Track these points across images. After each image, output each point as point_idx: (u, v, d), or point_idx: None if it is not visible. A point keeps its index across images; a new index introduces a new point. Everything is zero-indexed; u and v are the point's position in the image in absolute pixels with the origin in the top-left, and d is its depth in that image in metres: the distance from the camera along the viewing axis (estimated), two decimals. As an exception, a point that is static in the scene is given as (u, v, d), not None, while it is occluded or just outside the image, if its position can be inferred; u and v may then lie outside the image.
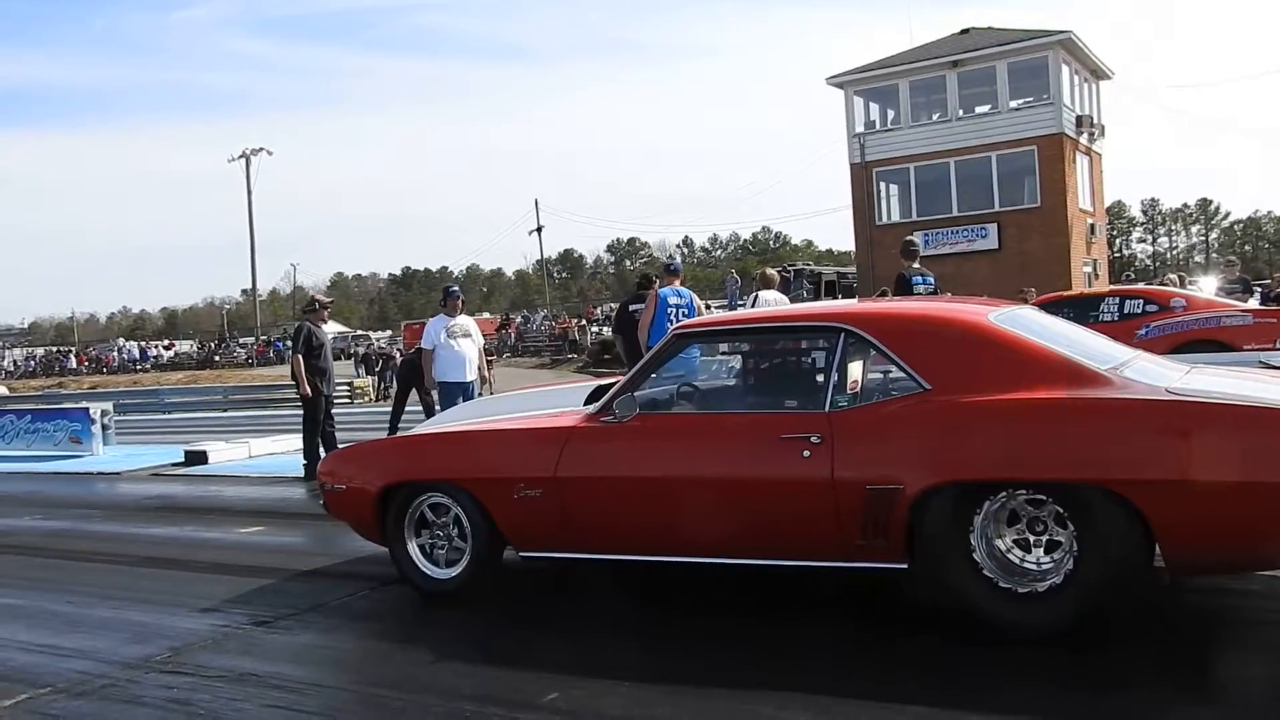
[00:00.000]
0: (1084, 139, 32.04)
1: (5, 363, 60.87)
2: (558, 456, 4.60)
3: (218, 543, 7.34)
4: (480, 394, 9.39)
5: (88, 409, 14.35)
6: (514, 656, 4.25)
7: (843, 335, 4.28)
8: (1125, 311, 12.93)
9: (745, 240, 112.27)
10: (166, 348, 62.73)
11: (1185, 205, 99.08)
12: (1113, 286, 15.23)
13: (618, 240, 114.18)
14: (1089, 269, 32.19)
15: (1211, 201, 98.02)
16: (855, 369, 4.36)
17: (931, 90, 32.11)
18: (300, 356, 9.99)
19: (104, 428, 14.00)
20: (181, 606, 5.39)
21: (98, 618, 5.31)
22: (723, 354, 5.48)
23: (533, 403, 5.61)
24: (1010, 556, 3.89)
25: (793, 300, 26.39)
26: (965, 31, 33.56)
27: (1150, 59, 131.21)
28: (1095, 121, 33.08)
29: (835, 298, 35.23)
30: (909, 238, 9.96)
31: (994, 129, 30.83)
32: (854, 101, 33.11)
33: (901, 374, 4.14)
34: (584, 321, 44.64)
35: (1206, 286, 24.59)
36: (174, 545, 7.34)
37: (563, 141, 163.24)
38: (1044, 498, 3.80)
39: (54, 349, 69.30)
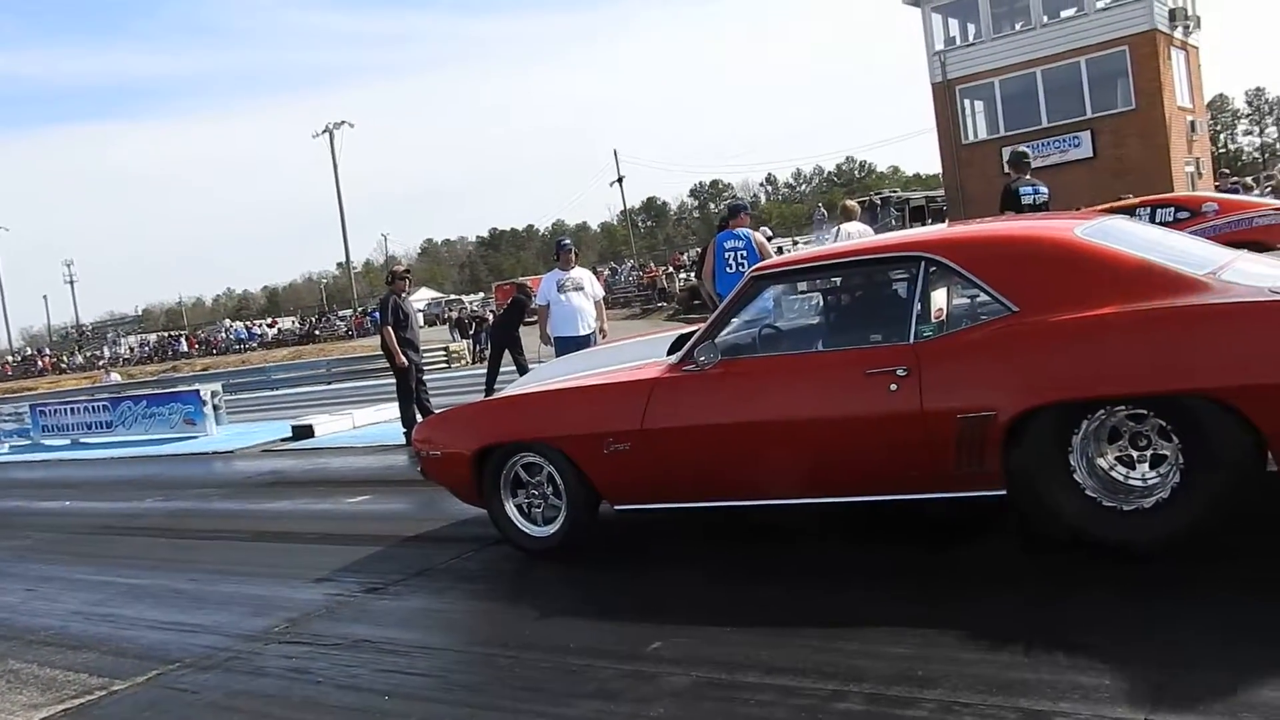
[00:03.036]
0: (1178, 33, 30.40)
1: (121, 349, 63.67)
2: (644, 408, 4.61)
3: (328, 514, 7.58)
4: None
5: (199, 391, 14.92)
6: (617, 608, 4.30)
7: (923, 264, 4.16)
8: (1158, 221, 12.96)
9: (829, 172, 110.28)
10: (270, 325, 64.75)
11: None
12: (1145, 197, 15.33)
13: (700, 184, 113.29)
14: (1191, 168, 30.73)
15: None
16: (938, 297, 4.25)
17: (1012, -1, 30.85)
18: (388, 328, 10.21)
19: (215, 408, 14.54)
20: (297, 578, 5.58)
21: (219, 593, 5.53)
22: (803, 292, 5.38)
23: (617, 356, 5.62)
24: (1114, 474, 3.76)
25: (879, 229, 25.93)
26: (1044, -68, 32.05)
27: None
28: (1189, 13, 31.36)
29: (925, 223, 34.46)
30: (1018, 148, 9.55)
31: (1081, 32, 29.50)
32: (931, 19, 32.04)
33: (987, 298, 4.02)
34: (671, 269, 44.51)
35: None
36: (287, 519, 7.61)
37: (636, 89, 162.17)
38: (1145, 412, 3.67)
39: (166, 334, 72.14)
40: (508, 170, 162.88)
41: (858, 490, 4.28)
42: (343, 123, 58.29)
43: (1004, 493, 3.93)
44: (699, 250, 31.39)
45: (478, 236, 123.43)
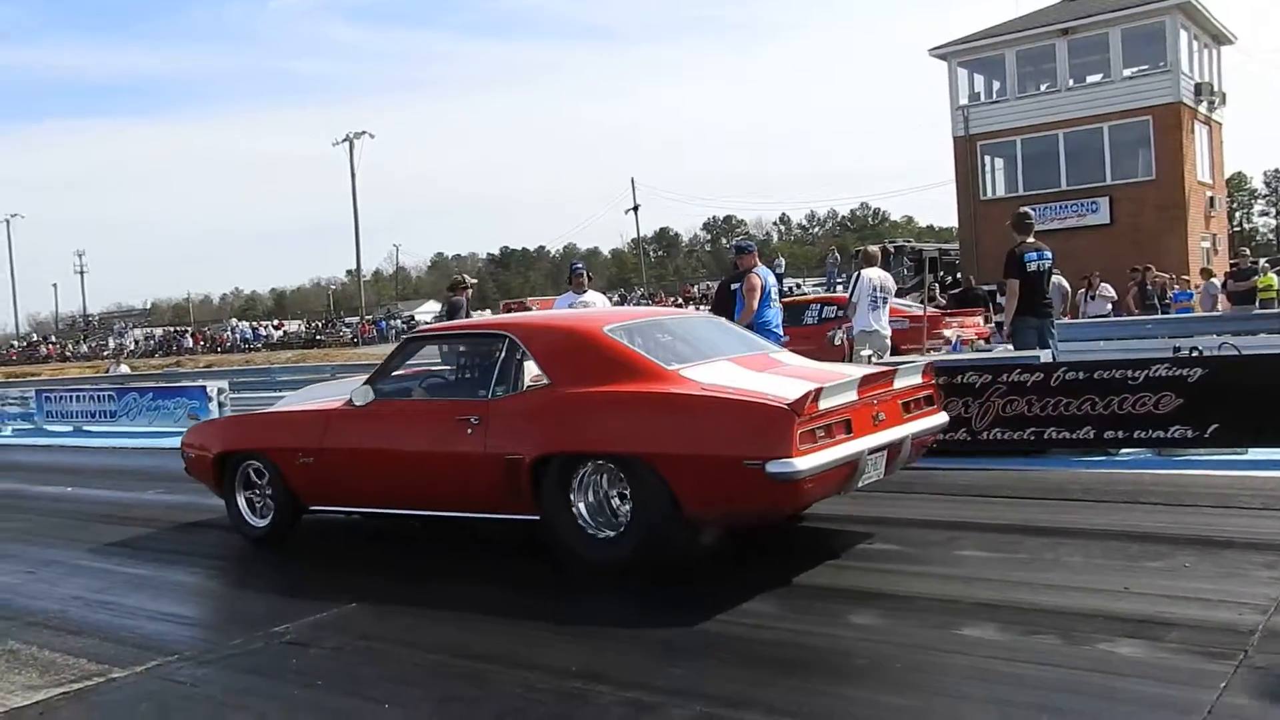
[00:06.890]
0: (1203, 108, 30.61)
1: (127, 342, 63.72)
2: (324, 432, 6.01)
3: (333, 521, 7.52)
4: None
5: (205, 387, 14.95)
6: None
7: (506, 341, 5.53)
8: (823, 316, 14.42)
9: (843, 217, 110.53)
10: (276, 327, 64.75)
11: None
12: (817, 295, 18.76)
13: (714, 218, 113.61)
14: (1207, 244, 30.81)
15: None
16: (513, 367, 5.49)
17: (1039, 60, 31.05)
18: None
19: (220, 405, 14.53)
20: (302, 579, 5.61)
21: (222, 589, 5.57)
22: (447, 352, 6.72)
23: (340, 390, 6.71)
24: (602, 508, 5.11)
25: (894, 276, 25.89)
26: (1075, -2, 32.33)
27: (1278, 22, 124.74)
28: (1215, 89, 31.55)
29: (936, 274, 34.43)
30: (1022, 209, 9.00)
31: (1106, 99, 29.67)
32: (957, 73, 32.24)
33: (538, 371, 5.36)
34: (680, 300, 44.61)
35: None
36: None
37: (657, 120, 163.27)
38: (613, 466, 4.97)
39: (172, 329, 72.20)
40: (523, 191, 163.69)
41: (448, 508, 5.68)
42: (363, 133, 58.57)
43: (538, 518, 5.21)
44: (711, 284, 31.40)
45: (488, 253, 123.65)
